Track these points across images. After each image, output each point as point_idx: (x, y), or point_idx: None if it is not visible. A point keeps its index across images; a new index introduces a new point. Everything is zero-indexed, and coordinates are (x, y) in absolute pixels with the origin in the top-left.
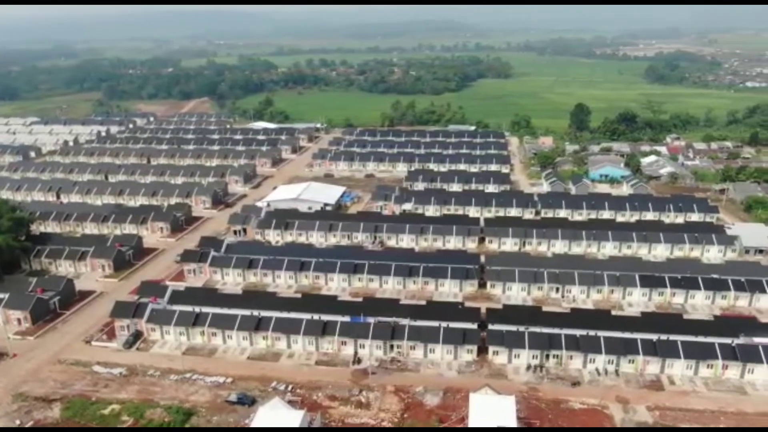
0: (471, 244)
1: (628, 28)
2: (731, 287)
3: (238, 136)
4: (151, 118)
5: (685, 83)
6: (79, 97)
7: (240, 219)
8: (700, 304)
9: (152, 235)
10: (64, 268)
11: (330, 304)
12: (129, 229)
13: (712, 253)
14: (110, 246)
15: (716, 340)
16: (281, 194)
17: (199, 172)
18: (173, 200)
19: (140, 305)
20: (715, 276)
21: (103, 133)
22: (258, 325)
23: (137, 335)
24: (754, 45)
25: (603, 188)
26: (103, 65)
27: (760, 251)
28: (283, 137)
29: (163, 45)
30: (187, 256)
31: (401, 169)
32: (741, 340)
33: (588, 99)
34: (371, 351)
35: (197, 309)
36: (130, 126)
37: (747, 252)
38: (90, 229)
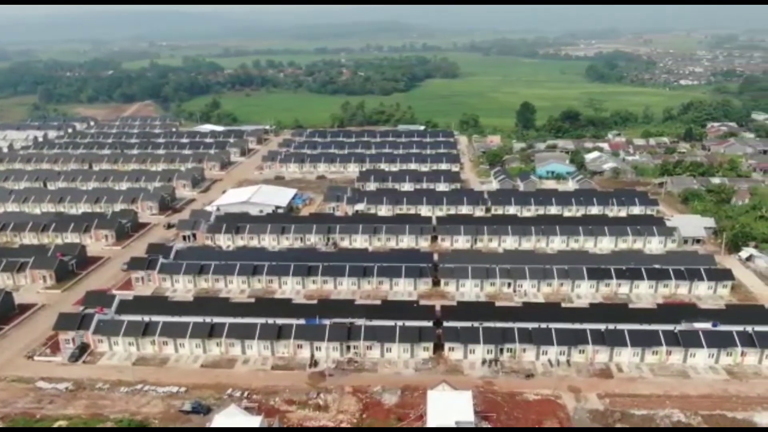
0: (424, 243)
1: (568, 28)
2: (672, 276)
3: (185, 140)
4: (92, 123)
5: (623, 82)
6: (13, 102)
7: (189, 224)
8: (644, 294)
9: (96, 243)
10: (1, 280)
11: (284, 307)
12: (71, 237)
13: (654, 245)
14: (51, 256)
15: (660, 327)
16: (231, 198)
17: (144, 177)
18: (118, 207)
19: (86, 316)
20: (656, 266)
21: (41, 139)
22: (211, 332)
23: (83, 348)
24: (686, 45)
25: (549, 184)
26: (38, 67)
27: (697, 241)
28: (231, 140)
29: (101, 46)
30: (134, 264)
31: (352, 169)
32: (683, 327)
33: (533, 98)
34: (328, 353)
35: (147, 318)
36: (69, 131)
37: (685, 242)
38: (29, 239)
